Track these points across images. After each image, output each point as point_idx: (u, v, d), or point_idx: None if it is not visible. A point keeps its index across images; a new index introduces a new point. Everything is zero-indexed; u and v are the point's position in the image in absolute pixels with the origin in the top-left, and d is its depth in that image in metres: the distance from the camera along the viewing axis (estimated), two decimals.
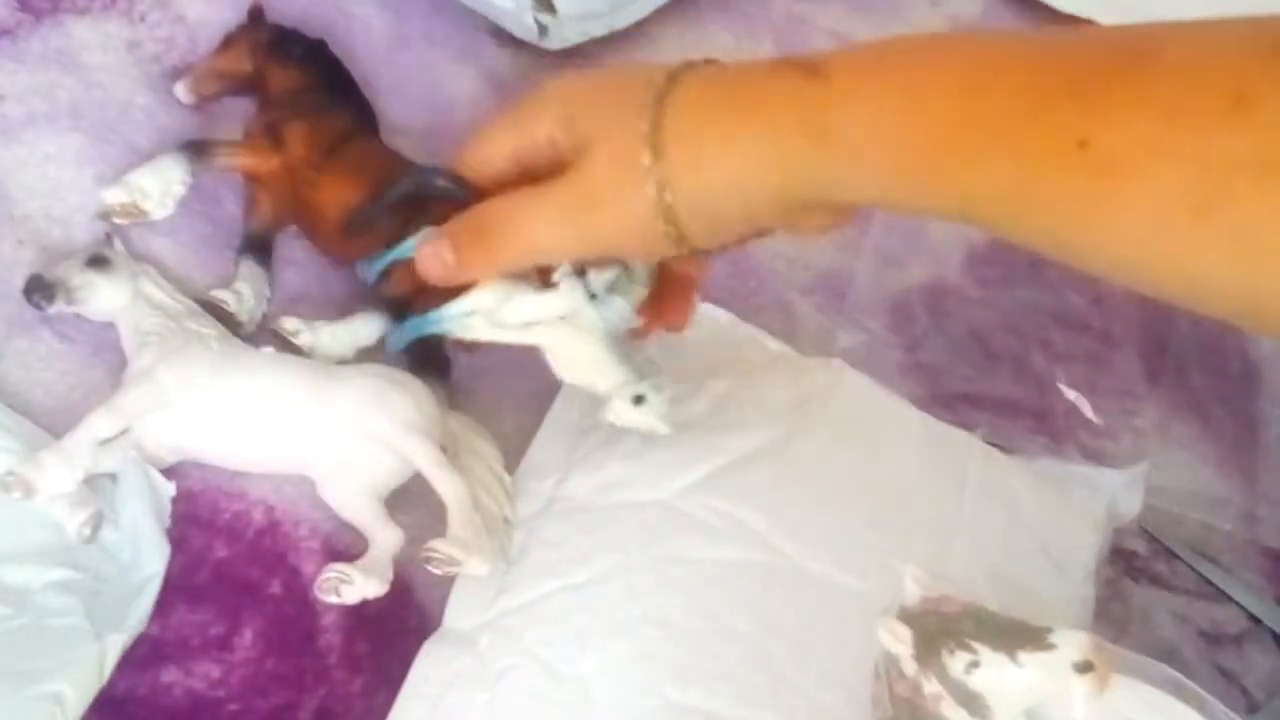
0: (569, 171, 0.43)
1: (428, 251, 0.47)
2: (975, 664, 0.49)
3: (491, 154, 0.47)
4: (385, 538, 0.60)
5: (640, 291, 0.60)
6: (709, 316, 0.76)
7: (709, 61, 0.44)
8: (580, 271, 0.57)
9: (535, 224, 0.44)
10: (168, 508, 0.60)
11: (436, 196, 0.56)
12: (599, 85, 0.44)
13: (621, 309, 0.58)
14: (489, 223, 0.45)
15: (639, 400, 0.60)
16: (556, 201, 0.43)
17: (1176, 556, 0.73)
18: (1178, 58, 0.34)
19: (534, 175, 0.46)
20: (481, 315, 0.57)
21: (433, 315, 0.58)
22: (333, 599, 0.57)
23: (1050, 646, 0.48)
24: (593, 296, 0.57)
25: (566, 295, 0.58)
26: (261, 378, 0.62)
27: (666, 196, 0.41)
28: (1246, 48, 0.33)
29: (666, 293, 0.53)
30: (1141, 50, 0.35)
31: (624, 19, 0.86)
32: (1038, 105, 0.36)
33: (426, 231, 0.54)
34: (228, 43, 0.74)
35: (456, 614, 0.62)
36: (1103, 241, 0.36)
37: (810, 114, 0.40)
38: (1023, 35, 0.40)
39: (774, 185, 0.41)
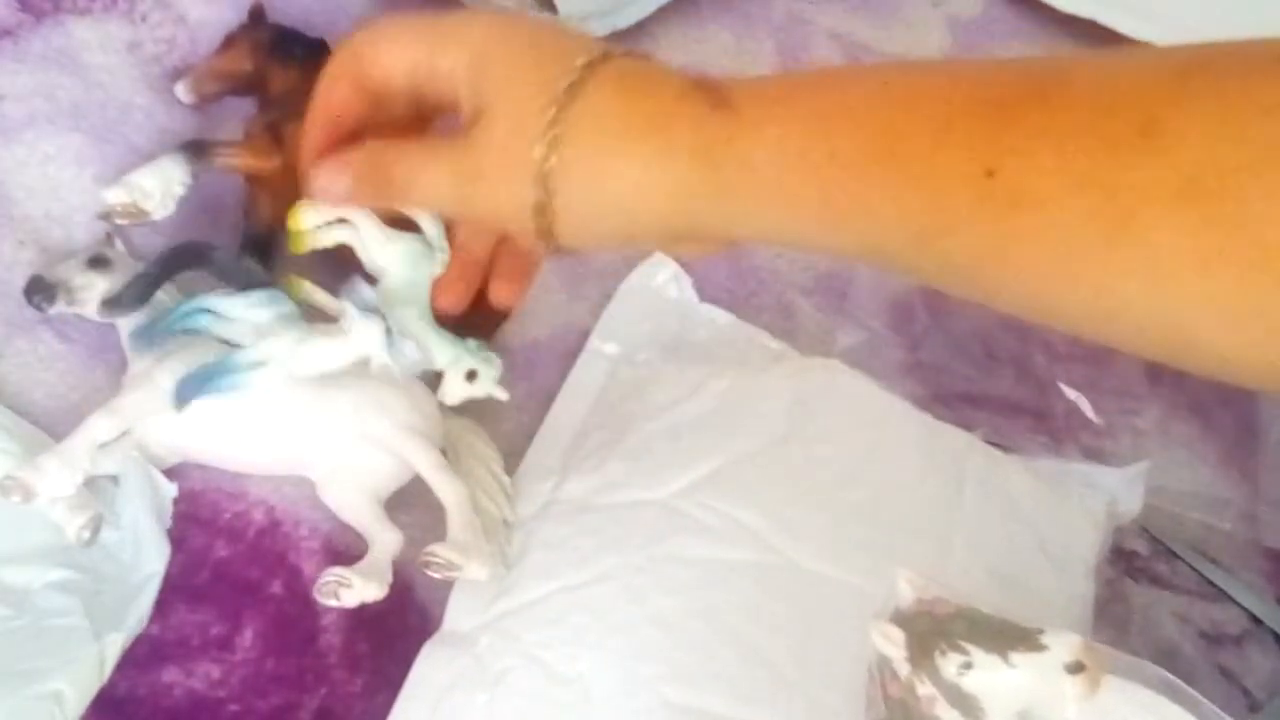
0: (466, 134, 0.42)
1: (327, 169, 0.46)
2: (968, 665, 0.49)
3: (390, 63, 0.44)
4: (385, 540, 0.60)
5: (439, 263, 0.63)
6: (708, 317, 0.76)
7: (629, 54, 0.42)
8: (370, 281, 0.60)
9: (427, 181, 0.44)
10: (169, 508, 0.60)
11: (215, 272, 0.62)
12: (519, 45, 0.42)
13: (411, 353, 0.60)
14: (387, 165, 0.45)
15: (471, 376, 0.62)
16: (449, 166, 0.43)
17: (1177, 556, 0.73)
18: (1085, 86, 0.34)
19: (421, 98, 0.45)
20: (275, 365, 0.59)
21: (222, 363, 0.59)
22: (332, 603, 0.57)
23: (1042, 647, 0.48)
24: (389, 333, 0.59)
25: (363, 337, 0.60)
26: None
27: (546, 197, 0.40)
28: (1153, 75, 0.33)
29: (502, 267, 0.52)
30: (1050, 78, 0.34)
31: (625, 18, 0.85)
32: (945, 134, 0.34)
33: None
34: (228, 43, 0.74)
35: (456, 615, 0.62)
36: (1012, 275, 0.34)
37: (712, 144, 0.39)
38: (938, 64, 0.39)
39: (663, 212, 0.40)
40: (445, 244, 0.66)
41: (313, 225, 0.66)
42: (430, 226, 0.67)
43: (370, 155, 0.46)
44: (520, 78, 0.40)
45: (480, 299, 0.70)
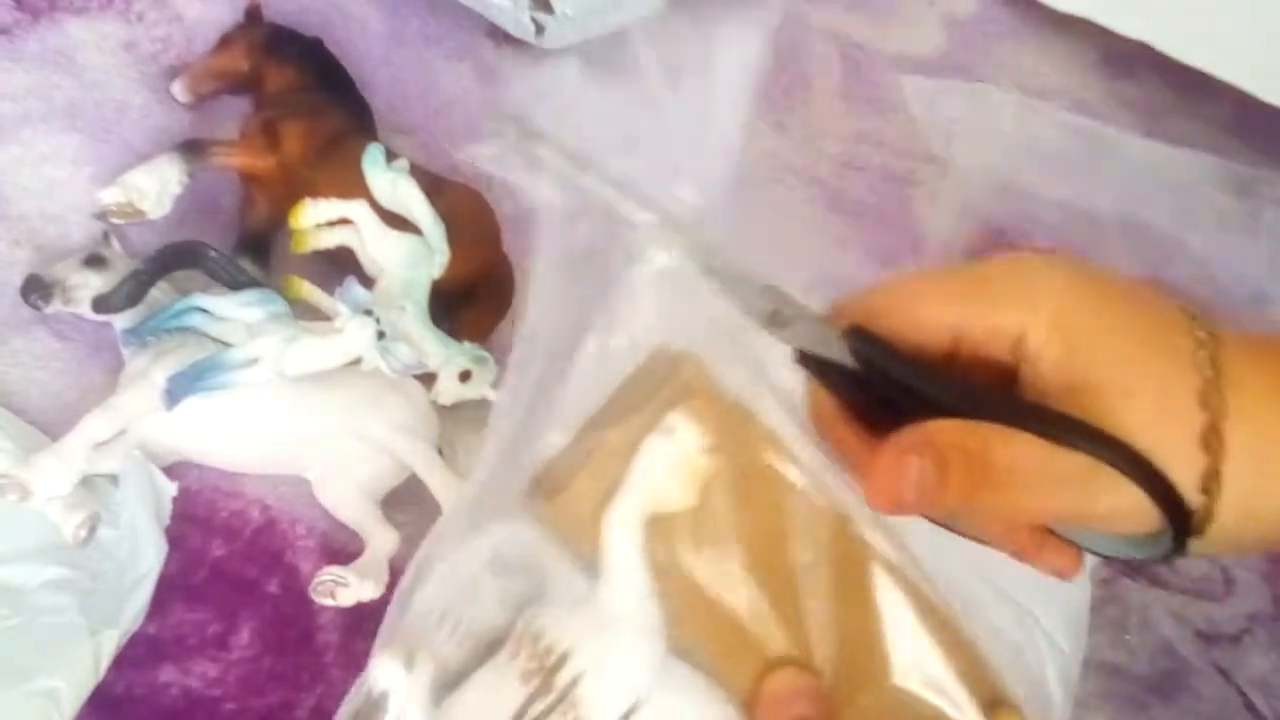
0: (1092, 418, 0.35)
1: (895, 459, 0.35)
2: None
3: (933, 321, 0.37)
4: (381, 539, 0.60)
5: (437, 265, 0.65)
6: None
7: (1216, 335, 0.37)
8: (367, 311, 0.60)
9: (1047, 489, 0.36)
10: (168, 506, 0.60)
11: (207, 272, 0.62)
12: (1112, 311, 0.37)
13: (405, 355, 0.61)
14: (994, 464, 0.35)
15: (465, 377, 0.63)
16: (1078, 468, 0.35)
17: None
18: None
19: (966, 356, 0.38)
20: (266, 363, 0.59)
21: (213, 361, 0.60)
22: (328, 602, 0.57)
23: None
24: (381, 335, 0.60)
25: (355, 337, 0.60)
26: None
27: (1213, 478, 0.34)
28: None
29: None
30: None
31: (622, 18, 0.85)
32: None
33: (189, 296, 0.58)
34: (224, 42, 0.74)
35: None
36: None
37: None
38: None
39: None
40: (444, 245, 0.66)
41: (314, 224, 0.66)
42: (431, 228, 0.67)
43: (967, 444, 0.36)
44: (1143, 351, 0.36)
45: (475, 299, 0.71)
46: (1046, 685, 0.59)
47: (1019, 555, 0.40)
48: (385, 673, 0.38)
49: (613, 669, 0.37)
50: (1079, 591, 0.65)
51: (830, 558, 0.39)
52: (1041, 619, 0.53)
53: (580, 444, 0.40)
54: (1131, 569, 0.73)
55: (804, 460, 0.40)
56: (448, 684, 0.38)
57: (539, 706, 0.37)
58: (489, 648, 0.39)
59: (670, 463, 0.38)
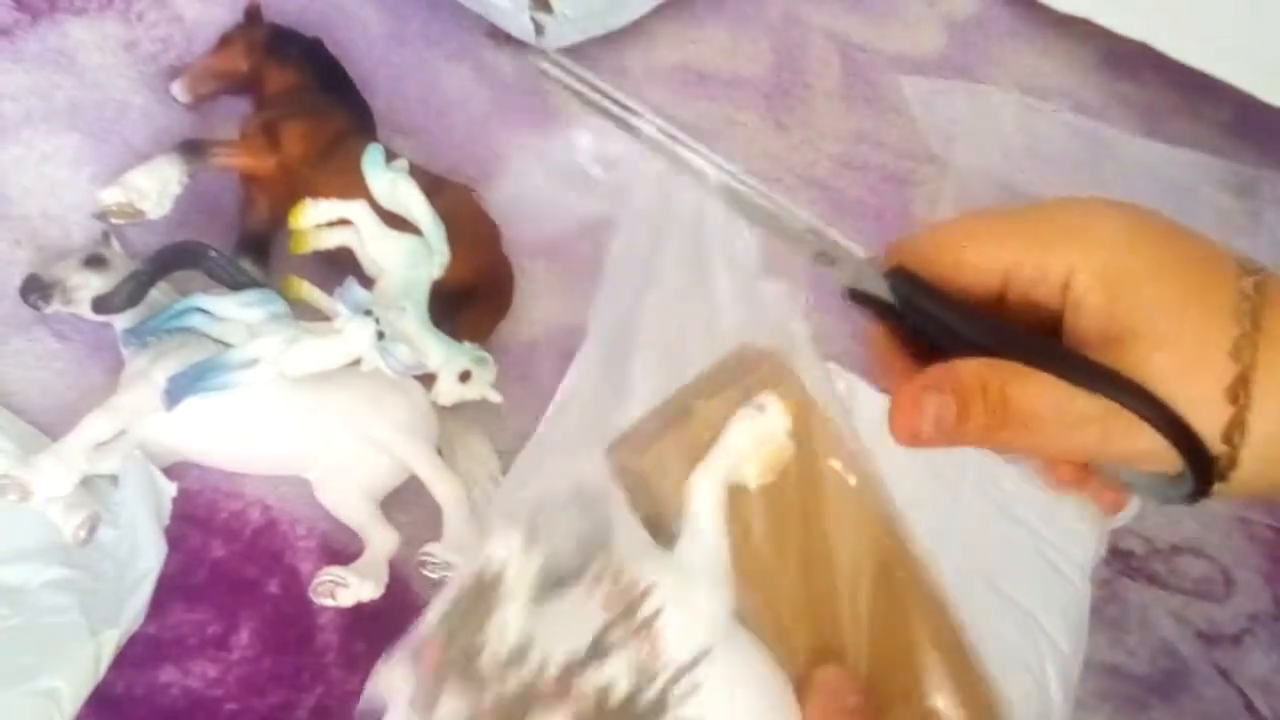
0: (1125, 366, 0.35)
1: (916, 395, 0.36)
2: None
3: (986, 262, 0.37)
4: (381, 539, 0.60)
5: (438, 265, 0.65)
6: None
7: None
8: (368, 311, 0.60)
9: (1062, 430, 0.36)
10: (168, 506, 0.60)
11: (207, 272, 0.62)
12: (1161, 258, 0.37)
13: (405, 355, 0.61)
14: (1012, 403, 0.36)
15: (465, 377, 0.64)
16: (1096, 411, 0.35)
17: (1173, 556, 0.73)
18: None
19: (1014, 299, 0.38)
20: (266, 364, 0.59)
21: (213, 362, 0.60)
22: (328, 602, 0.57)
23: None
24: (380, 335, 0.60)
25: (355, 338, 0.60)
26: None
27: (1238, 435, 0.35)
28: None
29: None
30: None
31: (621, 19, 0.86)
32: None
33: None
34: (224, 42, 0.74)
35: None
36: None
37: None
38: None
39: None
40: (444, 246, 0.67)
41: (314, 225, 0.67)
42: (431, 228, 0.67)
43: (989, 382, 0.36)
44: (1182, 301, 0.36)
45: (475, 299, 0.71)
46: (1047, 686, 0.59)
47: (1063, 488, 0.40)
48: (505, 545, 0.38)
49: (691, 609, 0.37)
50: (1079, 592, 0.65)
51: (873, 568, 0.40)
52: (1041, 619, 0.53)
53: (665, 411, 0.40)
54: (1132, 569, 0.73)
55: (859, 468, 0.41)
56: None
57: (619, 631, 0.37)
58: (570, 574, 0.40)
59: (758, 437, 0.39)
